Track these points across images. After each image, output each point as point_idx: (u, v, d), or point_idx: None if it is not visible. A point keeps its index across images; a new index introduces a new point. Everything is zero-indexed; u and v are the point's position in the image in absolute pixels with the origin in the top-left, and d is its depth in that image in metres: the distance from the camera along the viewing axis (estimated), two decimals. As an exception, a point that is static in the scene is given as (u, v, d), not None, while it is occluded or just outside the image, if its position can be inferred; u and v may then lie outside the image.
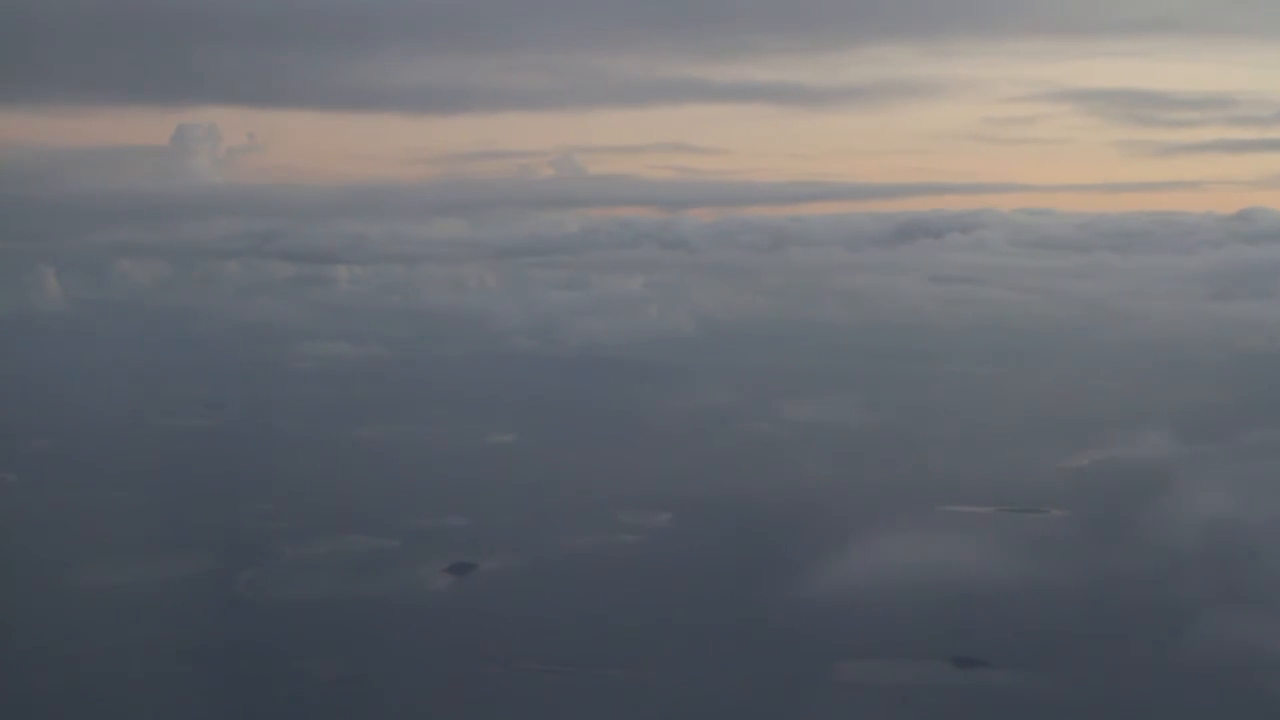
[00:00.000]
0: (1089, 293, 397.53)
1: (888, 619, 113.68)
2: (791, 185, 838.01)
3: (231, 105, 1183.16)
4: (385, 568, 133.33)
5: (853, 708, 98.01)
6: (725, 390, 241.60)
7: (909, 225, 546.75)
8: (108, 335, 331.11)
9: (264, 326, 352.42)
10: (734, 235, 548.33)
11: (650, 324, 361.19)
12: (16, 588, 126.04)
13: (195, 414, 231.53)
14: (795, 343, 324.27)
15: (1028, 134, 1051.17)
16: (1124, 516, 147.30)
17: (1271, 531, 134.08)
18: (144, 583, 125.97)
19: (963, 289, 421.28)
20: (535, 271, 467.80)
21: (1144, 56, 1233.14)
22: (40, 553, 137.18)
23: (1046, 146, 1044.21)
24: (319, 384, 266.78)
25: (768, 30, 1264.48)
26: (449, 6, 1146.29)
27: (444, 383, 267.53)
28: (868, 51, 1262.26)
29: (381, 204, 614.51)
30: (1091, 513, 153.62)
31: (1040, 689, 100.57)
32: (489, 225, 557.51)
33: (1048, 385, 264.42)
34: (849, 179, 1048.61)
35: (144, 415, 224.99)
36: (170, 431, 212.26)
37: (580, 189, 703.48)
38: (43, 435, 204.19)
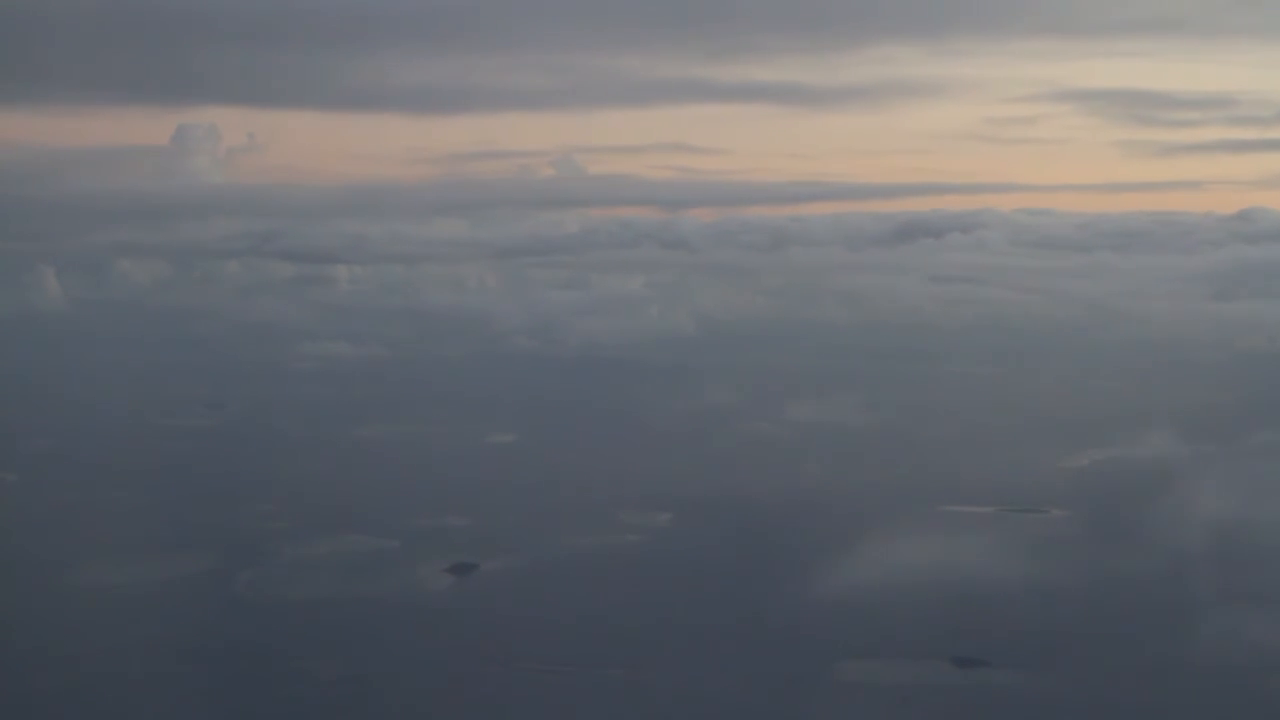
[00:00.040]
0: (1089, 293, 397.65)
1: (888, 619, 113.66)
2: (792, 185, 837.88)
3: (232, 105, 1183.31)
4: (385, 568, 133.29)
5: (853, 708, 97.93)
6: (726, 390, 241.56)
7: (909, 225, 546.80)
8: (108, 335, 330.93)
9: (264, 326, 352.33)
10: (734, 235, 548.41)
11: (650, 324, 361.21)
12: (16, 588, 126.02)
13: (195, 414, 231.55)
14: (795, 343, 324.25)
15: (1028, 134, 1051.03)
16: (1124, 516, 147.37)
17: (1273, 532, 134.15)
18: (144, 583, 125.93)
19: (963, 289, 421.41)
20: (535, 271, 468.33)
21: (1145, 56, 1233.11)
22: (40, 553, 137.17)
23: (1047, 146, 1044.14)
24: (319, 384, 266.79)
25: (772, 30, 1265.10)
26: (450, 6, 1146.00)
27: (444, 383, 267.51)
28: (871, 51, 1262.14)
29: (382, 204, 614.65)
30: (1092, 513, 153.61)
31: (1041, 689, 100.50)
32: (489, 225, 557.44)
33: (1048, 385, 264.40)
34: (849, 179, 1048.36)
35: (144, 415, 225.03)
36: (170, 431, 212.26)
37: (580, 189, 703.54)
38: (43, 435, 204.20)
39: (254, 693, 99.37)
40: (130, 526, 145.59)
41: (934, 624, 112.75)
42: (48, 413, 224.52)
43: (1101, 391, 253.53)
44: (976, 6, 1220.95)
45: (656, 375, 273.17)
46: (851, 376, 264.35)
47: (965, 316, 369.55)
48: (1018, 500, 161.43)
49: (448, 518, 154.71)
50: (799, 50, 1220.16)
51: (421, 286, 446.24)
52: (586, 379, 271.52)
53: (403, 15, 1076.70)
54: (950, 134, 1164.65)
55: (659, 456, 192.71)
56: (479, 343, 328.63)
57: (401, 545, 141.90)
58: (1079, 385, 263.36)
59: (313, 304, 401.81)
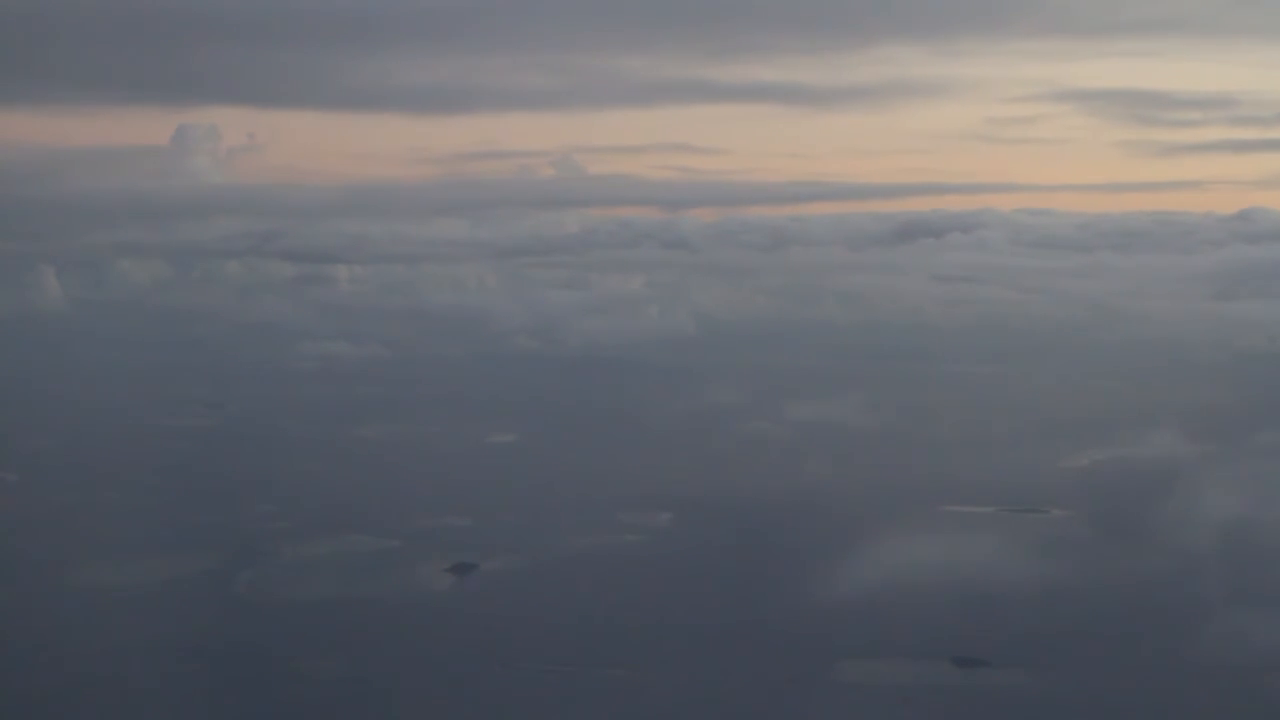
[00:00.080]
0: (1090, 293, 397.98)
1: (888, 619, 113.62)
2: (792, 185, 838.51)
3: (233, 105, 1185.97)
4: (386, 568, 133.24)
5: (853, 708, 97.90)
6: (726, 390, 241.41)
7: (910, 225, 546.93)
8: (108, 335, 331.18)
9: (264, 326, 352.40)
10: (735, 235, 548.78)
11: (651, 324, 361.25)
12: (16, 588, 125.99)
13: (195, 414, 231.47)
14: (796, 343, 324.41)
15: (1029, 134, 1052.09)
16: (1125, 516, 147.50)
17: (1274, 532, 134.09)
18: (144, 583, 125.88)
19: (963, 289, 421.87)
20: (536, 271, 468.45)
21: (1146, 56, 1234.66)
22: (40, 553, 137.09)
23: (1048, 146, 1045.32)
24: (319, 384, 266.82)
25: (775, 30, 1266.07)
26: (451, 6, 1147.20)
27: (444, 383, 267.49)
28: (874, 52, 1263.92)
29: (382, 204, 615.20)
30: (1093, 513, 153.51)
31: (1041, 689, 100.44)
32: (490, 225, 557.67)
33: (1048, 385, 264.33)
34: (850, 179, 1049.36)
35: (144, 415, 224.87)
36: (170, 432, 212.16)
37: (581, 189, 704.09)
38: (43, 435, 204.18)
39: (254, 693, 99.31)
40: (130, 526, 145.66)
41: (934, 624, 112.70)
42: (48, 413, 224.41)
43: (1102, 391, 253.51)
44: (980, 7, 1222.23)
45: (656, 375, 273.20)
46: (852, 376, 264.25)
47: (966, 316, 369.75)
48: (1018, 500, 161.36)
49: (448, 518, 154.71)
50: (802, 50, 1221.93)
51: (422, 286, 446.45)
52: (586, 379, 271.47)
53: (404, 15, 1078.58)
54: (951, 134, 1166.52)
55: (659, 456, 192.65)
56: (479, 343, 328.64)
57: (402, 545, 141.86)
58: (1079, 385, 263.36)
59: (313, 304, 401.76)
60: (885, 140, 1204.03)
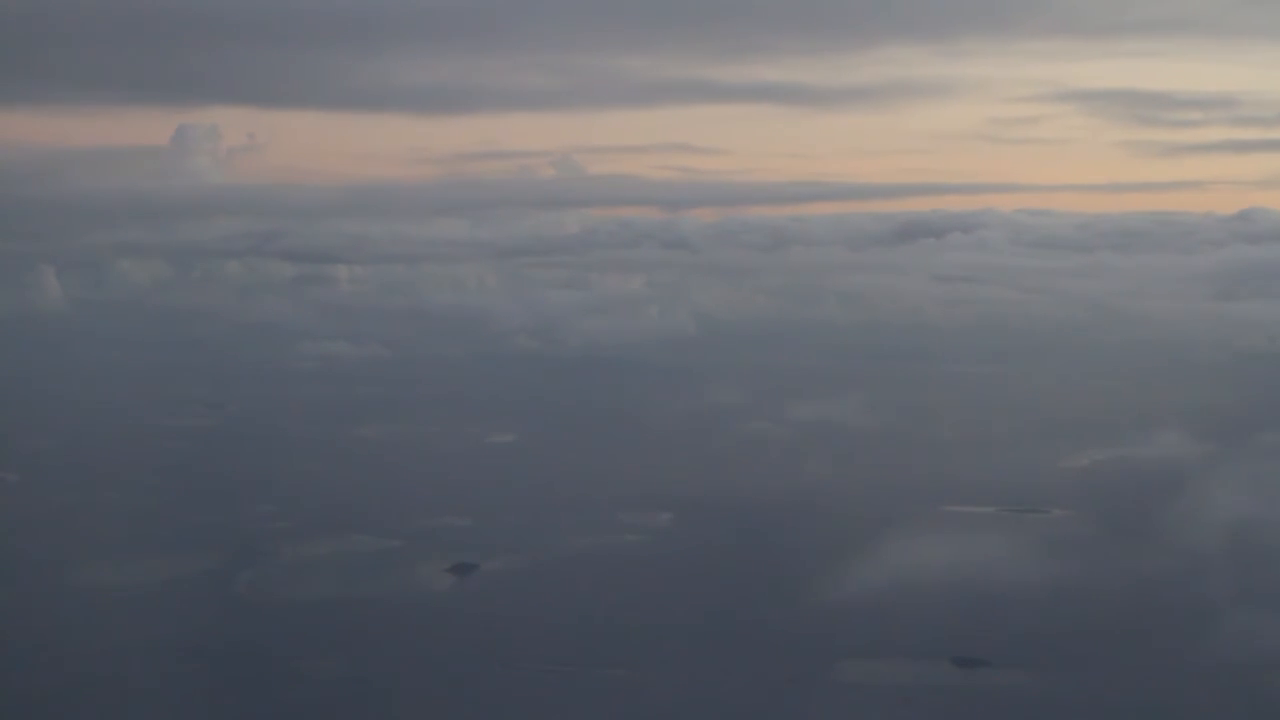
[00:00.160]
0: (1090, 293, 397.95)
1: (888, 619, 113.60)
2: (793, 185, 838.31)
3: (234, 105, 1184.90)
4: (386, 568, 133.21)
5: (853, 708, 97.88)
6: (726, 390, 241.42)
7: (910, 225, 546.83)
8: (108, 335, 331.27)
9: (264, 326, 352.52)
10: (735, 235, 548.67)
11: (651, 324, 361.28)
12: (16, 588, 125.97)
13: (195, 414, 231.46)
14: (796, 343, 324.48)
15: (1031, 134, 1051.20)
16: (1126, 516, 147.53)
17: (1274, 532, 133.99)
18: (144, 583, 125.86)
19: (964, 289, 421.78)
20: (536, 271, 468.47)
21: (1147, 57, 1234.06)
22: (40, 553, 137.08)
23: (1049, 147, 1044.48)
24: (319, 384, 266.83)
25: (779, 31, 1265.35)
26: (453, 7, 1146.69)
27: (444, 383, 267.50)
28: (878, 52, 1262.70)
29: (383, 204, 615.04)
30: (1093, 512, 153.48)
31: (1042, 689, 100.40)
32: (490, 225, 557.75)
33: (1049, 385, 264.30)
34: (851, 179, 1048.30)
35: (144, 415, 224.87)
36: (170, 431, 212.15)
37: (581, 189, 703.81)
38: (43, 435, 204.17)
39: (254, 693, 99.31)
40: (130, 526, 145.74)
41: (934, 624, 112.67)
42: (48, 413, 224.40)
43: (1102, 391, 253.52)
44: (984, 7, 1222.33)
45: (656, 375, 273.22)
46: (852, 376, 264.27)
47: (966, 316, 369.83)
48: (1019, 500, 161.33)
49: (448, 518, 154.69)
50: (805, 51, 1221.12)
51: (422, 286, 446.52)
52: (586, 379, 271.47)
53: (405, 15, 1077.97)
54: (952, 134, 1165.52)
55: (659, 456, 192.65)
56: (479, 343, 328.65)
57: (402, 545, 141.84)
58: (1080, 385, 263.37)
59: (313, 304, 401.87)
60: (886, 140, 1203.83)
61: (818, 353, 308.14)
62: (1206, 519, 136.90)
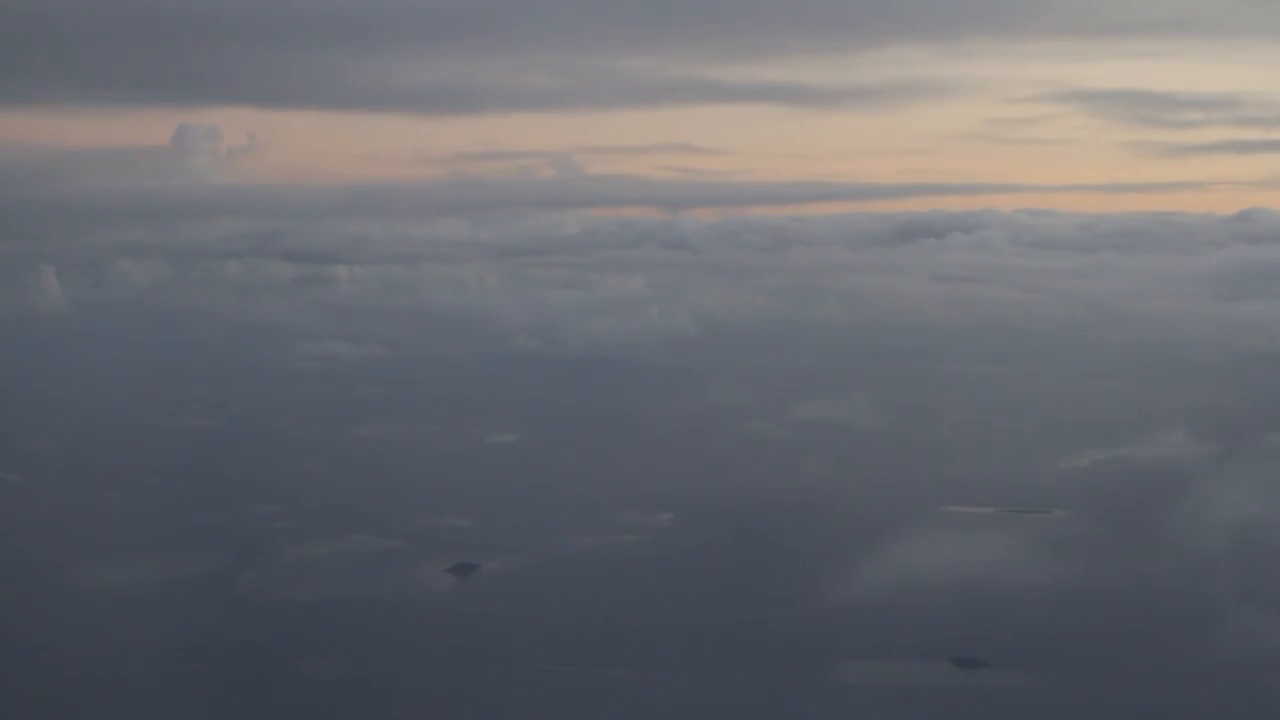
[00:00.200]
0: (1091, 293, 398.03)
1: (889, 619, 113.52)
2: (793, 185, 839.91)
3: (235, 105, 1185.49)
4: (387, 568, 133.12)
5: (854, 708, 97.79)
6: (726, 390, 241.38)
7: (910, 225, 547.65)
8: (108, 335, 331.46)
9: (264, 326, 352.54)
10: (735, 235, 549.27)
11: (651, 324, 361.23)
12: (16, 588, 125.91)
13: (196, 414, 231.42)
14: (797, 343, 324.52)
15: (1032, 134, 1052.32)
16: (1126, 517, 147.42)
17: (1275, 532, 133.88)
18: (145, 583, 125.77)
19: (964, 289, 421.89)
20: (536, 271, 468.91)
21: (1148, 57, 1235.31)
22: (41, 553, 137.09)
23: (1050, 147, 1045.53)
24: (320, 384, 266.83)
25: (783, 31, 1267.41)
26: (455, 7, 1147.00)
27: (444, 383, 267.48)
28: (882, 52, 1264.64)
29: (384, 204, 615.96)
30: (1094, 513, 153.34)
31: (1042, 690, 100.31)
32: (490, 225, 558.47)
33: (1049, 385, 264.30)
34: (851, 179, 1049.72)
35: (145, 415, 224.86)
36: (171, 432, 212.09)
37: (582, 189, 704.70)
38: (43, 435, 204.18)
39: (254, 693, 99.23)
40: (131, 527, 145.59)
41: (935, 624, 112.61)
42: (48, 413, 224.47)
43: (1103, 391, 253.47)
44: (988, 8, 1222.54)
45: (657, 375, 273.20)
46: (853, 377, 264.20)
47: (966, 317, 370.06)
48: (1019, 501, 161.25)
49: (448, 518, 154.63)
50: (807, 51, 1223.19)
51: (422, 287, 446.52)
52: (587, 379, 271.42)
53: (407, 16, 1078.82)
54: (954, 134, 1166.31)
55: (659, 456, 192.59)
56: (479, 343, 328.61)
57: (402, 545, 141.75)
58: (1080, 385, 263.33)
59: (313, 304, 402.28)
60: (888, 140, 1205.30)
61: (818, 353, 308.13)
62: (1207, 519, 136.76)
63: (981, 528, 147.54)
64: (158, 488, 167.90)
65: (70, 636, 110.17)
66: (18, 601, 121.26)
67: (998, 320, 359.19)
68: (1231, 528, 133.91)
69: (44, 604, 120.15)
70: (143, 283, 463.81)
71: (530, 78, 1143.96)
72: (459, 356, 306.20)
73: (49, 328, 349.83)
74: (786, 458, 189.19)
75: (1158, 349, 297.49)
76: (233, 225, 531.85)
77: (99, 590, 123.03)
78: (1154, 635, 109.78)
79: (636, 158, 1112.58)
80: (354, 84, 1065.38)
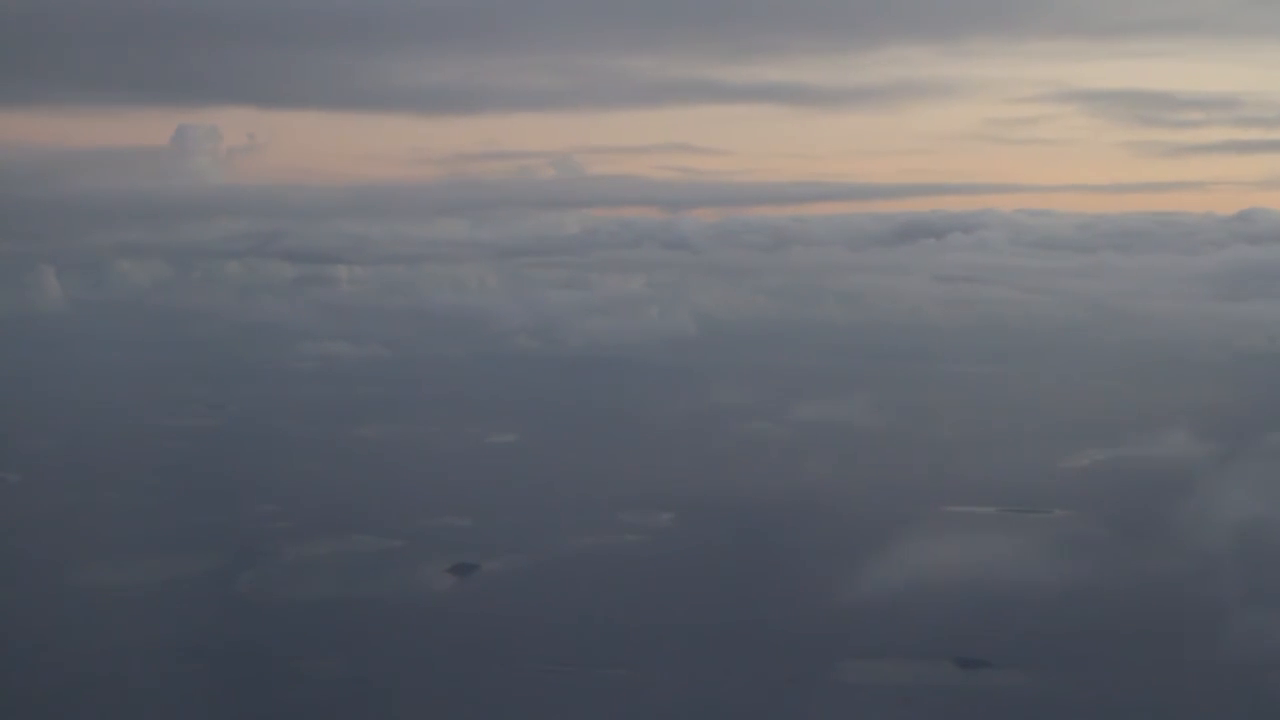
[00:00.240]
0: (1091, 293, 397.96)
1: (890, 619, 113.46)
2: (794, 185, 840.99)
3: (235, 106, 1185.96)
4: (387, 568, 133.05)
5: (854, 708, 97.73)
6: (727, 390, 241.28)
7: (910, 225, 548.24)
8: (108, 335, 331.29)
9: (264, 326, 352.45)
10: (736, 235, 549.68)
11: (651, 324, 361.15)
12: (17, 588, 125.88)
13: (196, 414, 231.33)
14: (797, 343, 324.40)
15: (1032, 134, 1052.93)
16: (1127, 517, 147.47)
17: (1277, 531, 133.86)
18: (145, 583, 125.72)
19: (965, 289, 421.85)
20: (537, 271, 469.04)
21: (1148, 57, 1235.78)
22: (41, 553, 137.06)
23: (1051, 147, 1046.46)
24: (320, 384, 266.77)
25: (786, 31, 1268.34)
26: (456, 7, 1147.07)
27: (444, 383, 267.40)
28: (884, 52, 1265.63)
29: (384, 204, 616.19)
30: (1094, 513, 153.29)
31: (1043, 690, 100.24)
32: (490, 225, 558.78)
33: (1049, 385, 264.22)
34: (852, 179, 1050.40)
35: (145, 415, 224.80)
36: (171, 432, 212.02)
37: (582, 189, 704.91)
38: (43, 435, 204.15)
39: (254, 693, 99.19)
40: (131, 527, 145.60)
41: (936, 624, 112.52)
42: (48, 413, 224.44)
43: (1102, 391, 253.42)
44: (989, 8, 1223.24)
45: (657, 375, 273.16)
46: (853, 377, 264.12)
47: (966, 317, 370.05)
48: (1020, 500, 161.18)
49: (448, 518, 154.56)
50: (809, 51, 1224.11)
51: (422, 287, 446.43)
52: (587, 379, 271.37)
53: (408, 16, 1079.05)
54: (954, 134, 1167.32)
55: (659, 456, 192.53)
56: (479, 343, 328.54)
57: (403, 545, 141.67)
58: (1080, 385, 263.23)
59: (313, 304, 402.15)
60: (889, 140, 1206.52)
61: (818, 353, 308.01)
62: (1208, 519, 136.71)
63: (982, 528, 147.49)
64: (158, 488, 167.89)
65: (70, 636, 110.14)
66: (18, 601, 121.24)
67: (998, 320, 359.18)
68: (1232, 527, 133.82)
69: (44, 604, 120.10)
70: (143, 283, 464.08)
71: (530, 78, 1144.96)
72: (459, 356, 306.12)
73: (49, 328, 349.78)
74: (786, 458, 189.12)
75: (1158, 349, 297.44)
76: (233, 225, 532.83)
77: (99, 590, 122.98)
78: (1155, 635, 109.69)
79: (637, 158, 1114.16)
80: (354, 84, 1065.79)
